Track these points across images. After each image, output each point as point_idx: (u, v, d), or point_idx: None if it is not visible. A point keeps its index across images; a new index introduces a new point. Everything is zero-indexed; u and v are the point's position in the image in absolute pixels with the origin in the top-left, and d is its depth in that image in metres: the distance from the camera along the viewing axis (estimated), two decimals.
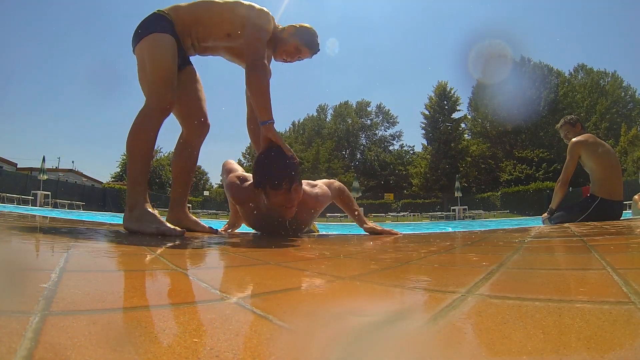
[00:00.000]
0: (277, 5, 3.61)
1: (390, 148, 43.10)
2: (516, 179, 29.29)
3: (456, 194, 20.51)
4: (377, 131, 44.22)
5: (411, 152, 41.99)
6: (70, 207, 15.50)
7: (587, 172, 3.25)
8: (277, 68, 2.12)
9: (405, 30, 64.48)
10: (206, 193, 36.78)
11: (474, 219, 18.54)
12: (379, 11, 61.91)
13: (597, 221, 2.77)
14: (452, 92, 35.88)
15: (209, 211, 24.64)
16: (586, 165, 3.16)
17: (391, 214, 25.98)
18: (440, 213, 21.78)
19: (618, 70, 30.26)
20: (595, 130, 27.87)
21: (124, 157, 34.16)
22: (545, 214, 3.26)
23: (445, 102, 35.91)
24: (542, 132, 30.36)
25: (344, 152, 43.94)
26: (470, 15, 55.97)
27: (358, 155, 44.20)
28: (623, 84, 30.27)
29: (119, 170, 34.30)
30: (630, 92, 30.48)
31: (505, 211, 22.58)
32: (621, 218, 3.11)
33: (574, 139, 3.16)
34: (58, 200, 15.56)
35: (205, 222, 2.06)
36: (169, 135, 2.10)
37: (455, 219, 18.55)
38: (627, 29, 46.34)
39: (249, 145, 47.16)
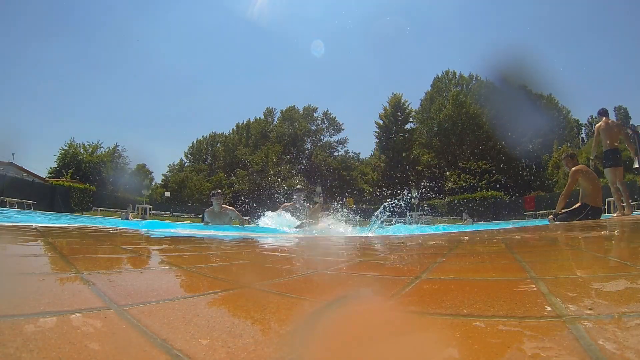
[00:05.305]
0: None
1: (335, 154, 44.36)
2: (460, 188, 32.12)
3: (412, 201, 22.41)
4: (322, 137, 45.25)
5: (355, 158, 43.73)
6: (20, 206, 14.00)
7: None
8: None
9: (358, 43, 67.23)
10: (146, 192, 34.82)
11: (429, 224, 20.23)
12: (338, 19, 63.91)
13: (588, 220, 3.98)
14: (406, 104, 38.43)
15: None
16: (581, 185, 4.49)
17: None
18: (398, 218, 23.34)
19: (554, 93, 34.67)
20: (529, 145, 31.75)
21: (63, 151, 31.12)
22: (551, 216, 4.44)
23: (399, 113, 38.25)
24: (481, 145, 33.83)
25: (289, 156, 44.13)
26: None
27: (304, 161, 44.73)
28: (558, 106, 34.85)
29: (56, 165, 31.15)
30: (564, 113, 35.26)
31: (456, 217, 24.79)
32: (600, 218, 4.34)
33: (574, 168, 4.51)
34: (7, 199, 13.93)
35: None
36: None
37: (412, 224, 20.11)
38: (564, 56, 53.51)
39: (191, 145, 49.35)
